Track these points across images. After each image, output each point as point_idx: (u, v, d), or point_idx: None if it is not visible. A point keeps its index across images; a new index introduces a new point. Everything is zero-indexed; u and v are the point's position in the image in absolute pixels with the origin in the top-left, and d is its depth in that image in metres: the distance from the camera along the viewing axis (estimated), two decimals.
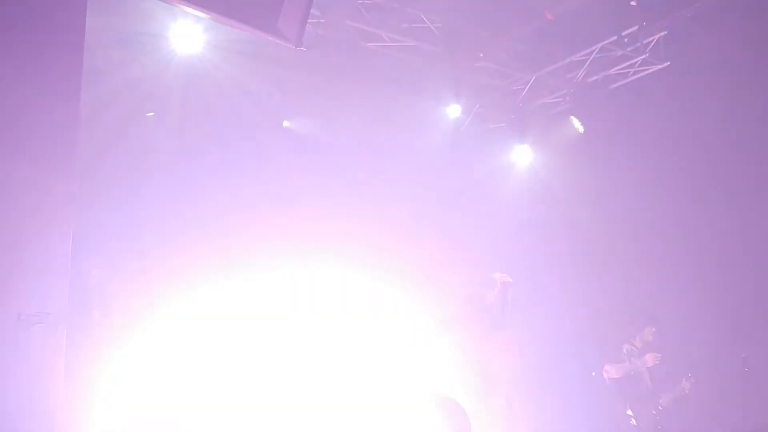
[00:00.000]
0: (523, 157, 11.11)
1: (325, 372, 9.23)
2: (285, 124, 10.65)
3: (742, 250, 9.28)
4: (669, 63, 9.57)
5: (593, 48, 9.69)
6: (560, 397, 10.28)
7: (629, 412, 8.84)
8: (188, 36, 8.42)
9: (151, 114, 9.41)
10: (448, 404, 4.07)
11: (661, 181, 10.08)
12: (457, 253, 10.19)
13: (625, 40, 9.38)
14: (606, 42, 9.52)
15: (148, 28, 8.14)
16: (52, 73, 4.19)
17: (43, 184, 4.13)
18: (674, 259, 9.83)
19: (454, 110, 10.47)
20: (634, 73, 9.92)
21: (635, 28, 9.19)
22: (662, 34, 9.34)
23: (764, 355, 8.63)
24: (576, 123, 10.41)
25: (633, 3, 8.67)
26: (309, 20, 4.64)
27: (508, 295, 8.51)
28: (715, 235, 9.48)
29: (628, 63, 9.77)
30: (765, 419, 8.27)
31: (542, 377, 10.31)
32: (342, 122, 10.45)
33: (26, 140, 4.10)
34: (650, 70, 9.78)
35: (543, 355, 10.40)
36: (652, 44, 9.45)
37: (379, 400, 8.84)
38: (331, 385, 9.12)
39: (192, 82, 8.95)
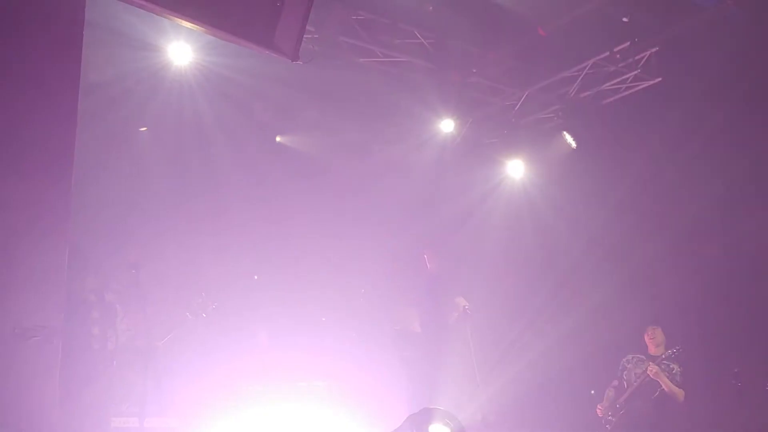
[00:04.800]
0: (515, 172, 11.16)
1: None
2: (278, 139, 10.69)
3: (735, 263, 9.31)
4: (661, 79, 9.62)
5: (585, 64, 9.75)
6: (544, 410, 10.29)
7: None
8: (182, 51, 8.45)
9: (144, 129, 9.43)
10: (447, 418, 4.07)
11: (652, 195, 10.12)
12: (449, 265, 10.21)
13: (617, 56, 9.46)
14: (598, 58, 9.58)
15: (143, 43, 8.16)
16: (48, 87, 4.20)
17: (38, 197, 4.12)
18: (667, 270, 9.85)
19: (446, 125, 10.52)
20: (626, 88, 9.97)
21: (627, 44, 9.27)
22: (654, 50, 9.40)
23: (757, 370, 8.65)
24: (568, 138, 10.46)
25: (625, 19, 8.74)
26: (304, 35, 4.65)
27: (468, 320, 8.60)
28: (708, 247, 9.51)
29: (620, 79, 9.82)
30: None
31: (530, 390, 10.32)
32: (335, 137, 10.49)
33: (22, 154, 4.10)
34: (642, 86, 9.82)
35: (534, 367, 10.42)
36: (643, 60, 9.51)
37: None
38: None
39: (185, 97, 8.98)
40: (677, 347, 8.60)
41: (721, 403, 8.86)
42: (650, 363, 8.55)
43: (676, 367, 8.57)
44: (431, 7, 8.84)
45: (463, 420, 6.85)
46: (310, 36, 8.59)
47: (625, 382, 8.87)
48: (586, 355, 9.97)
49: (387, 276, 9.88)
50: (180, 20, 4.38)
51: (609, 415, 8.79)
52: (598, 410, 8.93)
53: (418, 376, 8.85)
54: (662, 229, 10.06)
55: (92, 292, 7.42)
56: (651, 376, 8.44)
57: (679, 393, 8.49)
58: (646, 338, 8.94)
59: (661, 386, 8.45)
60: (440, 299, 8.82)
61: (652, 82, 9.72)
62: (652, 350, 8.86)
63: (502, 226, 10.92)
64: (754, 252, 9.24)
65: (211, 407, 8.30)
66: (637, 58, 9.47)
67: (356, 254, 10.17)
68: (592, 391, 9.52)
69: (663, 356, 8.59)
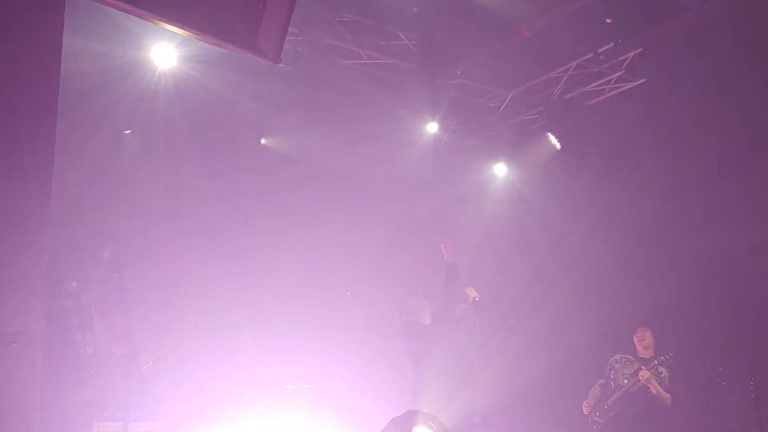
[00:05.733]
0: (500, 173, 11.17)
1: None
2: (263, 141, 10.65)
3: (718, 262, 9.32)
4: (644, 80, 9.67)
5: (569, 65, 9.77)
6: (542, 412, 10.27)
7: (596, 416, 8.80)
8: (166, 54, 8.41)
9: (128, 132, 9.37)
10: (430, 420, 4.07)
11: (636, 196, 10.14)
12: (434, 266, 10.19)
13: (601, 57, 9.49)
14: (582, 59, 9.60)
15: (126, 46, 8.11)
16: (27, 90, 4.15)
17: (16, 200, 4.07)
18: (649, 270, 9.87)
19: (431, 127, 10.51)
20: (610, 89, 10.01)
21: (611, 45, 9.29)
22: (637, 51, 9.44)
23: (742, 369, 8.67)
24: (552, 139, 10.47)
25: (608, 21, 8.76)
26: (287, 37, 4.61)
27: (477, 310, 8.52)
28: (691, 246, 9.52)
29: (604, 80, 9.86)
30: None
31: (522, 389, 10.30)
32: (320, 139, 10.46)
33: (0, 157, 4.05)
34: (626, 87, 9.87)
35: (523, 367, 10.39)
36: (627, 61, 9.55)
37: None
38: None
39: (170, 100, 8.92)
40: (671, 354, 8.57)
41: (706, 402, 8.89)
42: (642, 367, 8.49)
43: (664, 371, 8.55)
44: (415, 9, 8.83)
45: (459, 420, 6.83)
46: (293, 38, 8.55)
47: (612, 382, 8.85)
48: (577, 353, 9.97)
49: (378, 273, 9.89)
50: (160, 23, 4.34)
51: (596, 416, 8.78)
52: (584, 408, 8.92)
53: (423, 371, 8.74)
54: (645, 227, 10.07)
55: (69, 297, 7.35)
56: (643, 381, 8.38)
57: (667, 398, 8.48)
58: (635, 339, 8.91)
59: (649, 389, 8.43)
60: (454, 291, 8.76)
61: (636, 83, 9.76)
62: (641, 351, 8.84)
63: (484, 226, 10.91)
64: (740, 250, 9.26)
65: (196, 411, 8.25)
66: (620, 59, 9.51)
67: (346, 256, 10.14)
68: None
69: (656, 361, 8.56)
